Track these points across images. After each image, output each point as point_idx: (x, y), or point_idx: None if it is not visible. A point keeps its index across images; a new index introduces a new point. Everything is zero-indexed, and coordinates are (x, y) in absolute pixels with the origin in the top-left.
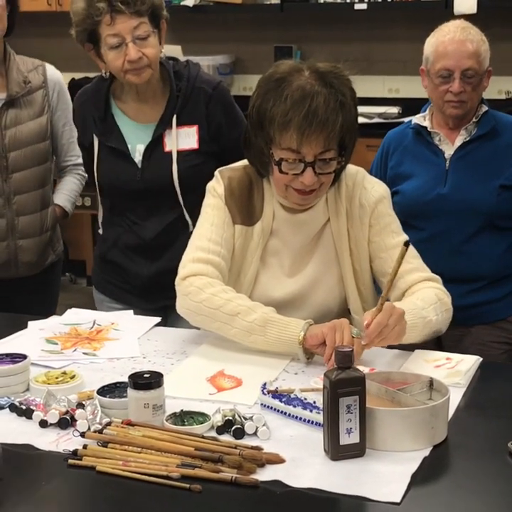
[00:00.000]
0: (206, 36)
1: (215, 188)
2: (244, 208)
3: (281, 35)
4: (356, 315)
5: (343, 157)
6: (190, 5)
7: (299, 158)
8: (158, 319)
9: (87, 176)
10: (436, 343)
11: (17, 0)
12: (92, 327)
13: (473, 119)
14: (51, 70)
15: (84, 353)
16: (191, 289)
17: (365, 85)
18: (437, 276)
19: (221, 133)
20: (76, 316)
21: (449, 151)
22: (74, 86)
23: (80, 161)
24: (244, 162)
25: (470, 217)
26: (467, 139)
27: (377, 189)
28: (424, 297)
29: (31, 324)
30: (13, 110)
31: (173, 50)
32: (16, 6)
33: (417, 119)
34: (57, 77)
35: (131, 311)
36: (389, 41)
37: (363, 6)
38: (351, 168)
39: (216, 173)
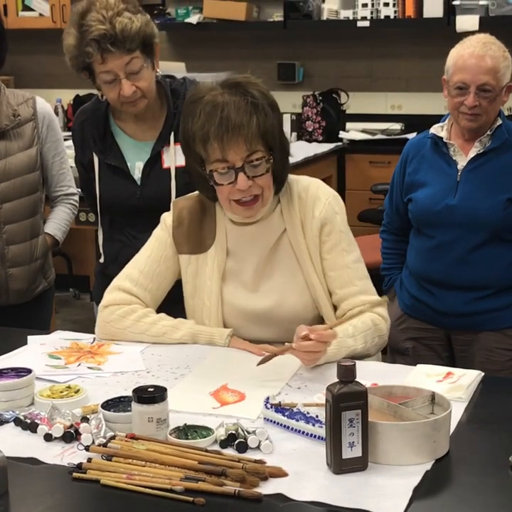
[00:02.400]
0: (210, 53)
1: (165, 219)
2: (193, 237)
3: (285, 52)
4: (329, 321)
5: (271, 155)
6: (194, 22)
7: (228, 166)
8: None
9: (78, 204)
10: (448, 347)
11: (5, 36)
12: (93, 342)
13: (488, 132)
14: (41, 103)
15: (88, 368)
16: (113, 317)
17: (367, 102)
18: (381, 300)
19: None
20: (75, 334)
21: (462, 162)
22: (78, 102)
23: (71, 191)
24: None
25: (477, 229)
26: (481, 151)
27: (331, 202)
28: (358, 324)
29: (31, 339)
30: (2, 142)
31: (177, 67)
32: (5, 42)
33: (434, 129)
34: (46, 109)
35: None
36: (391, 58)
37: (366, 24)
38: (304, 179)
39: (172, 203)
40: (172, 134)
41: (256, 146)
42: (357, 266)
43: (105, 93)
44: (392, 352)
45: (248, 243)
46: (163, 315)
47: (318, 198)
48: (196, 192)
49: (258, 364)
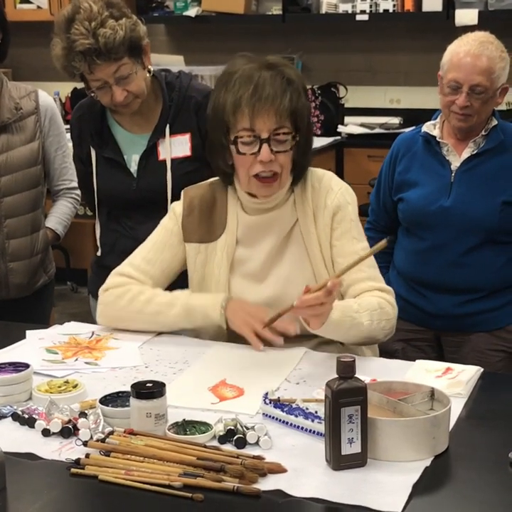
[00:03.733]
0: (208, 46)
1: (175, 209)
2: (204, 226)
3: (283, 45)
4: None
5: (297, 135)
6: (193, 15)
7: (254, 135)
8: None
9: (80, 199)
10: (438, 348)
11: (8, 28)
12: (91, 337)
13: (483, 133)
14: (43, 96)
15: (86, 363)
16: (111, 299)
17: (366, 96)
18: (389, 288)
19: None
20: (74, 327)
21: (455, 162)
22: (76, 95)
23: (73, 185)
24: (211, 179)
25: (471, 232)
26: (474, 152)
27: (343, 192)
28: (363, 302)
29: (29, 333)
30: (4, 135)
31: (176, 60)
32: (8, 34)
33: (426, 127)
34: (49, 103)
35: None
36: (390, 52)
37: (365, 17)
38: (318, 171)
39: (182, 192)
40: (168, 126)
41: (285, 121)
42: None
43: (99, 97)
44: (381, 354)
45: (260, 233)
46: (158, 291)
47: (331, 189)
48: (207, 181)
49: (264, 326)
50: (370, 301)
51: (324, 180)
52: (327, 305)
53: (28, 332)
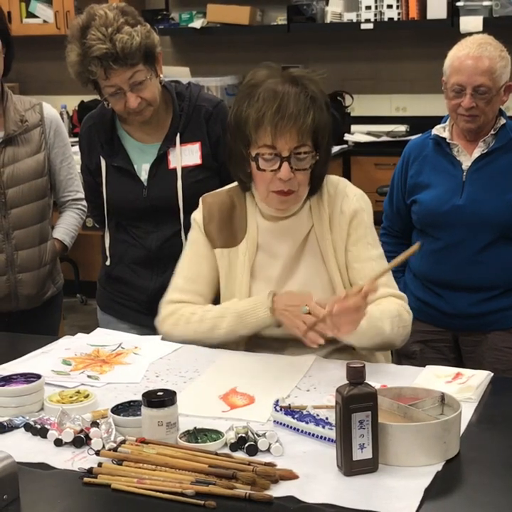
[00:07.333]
0: (214, 57)
1: (195, 218)
2: (226, 231)
3: (288, 55)
4: None
5: (317, 153)
6: (198, 27)
7: (274, 153)
8: (178, 345)
9: (86, 210)
10: (455, 349)
11: (12, 42)
12: (115, 349)
13: (492, 132)
14: (48, 109)
15: (88, 376)
16: (168, 328)
17: (372, 104)
18: (403, 295)
19: (219, 149)
20: (105, 338)
21: (466, 162)
22: (83, 108)
23: (79, 196)
24: (228, 186)
25: (484, 229)
26: (485, 151)
27: (359, 199)
28: (384, 309)
29: (60, 342)
30: (10, 148)
31: (181, 72)
32: (12, 48)
33: (436, 130)
34: (53, 115)
35: (159, 337)
36: (395, 60)
37: (370, 26)
38: (333, 177)
39: (201, 199)
40: (178, 135)
41: (306, 139)
42: (381, 261)
43: (112, 105)
44: (399, 356)
45: (278, 238)
46: (208, 307)
47: (346, 195)
48: (224, 188)
49: (304, 334)
50: (389, 307)
51: (339, 187)
52: (361, 311)
53: (61, 339)
